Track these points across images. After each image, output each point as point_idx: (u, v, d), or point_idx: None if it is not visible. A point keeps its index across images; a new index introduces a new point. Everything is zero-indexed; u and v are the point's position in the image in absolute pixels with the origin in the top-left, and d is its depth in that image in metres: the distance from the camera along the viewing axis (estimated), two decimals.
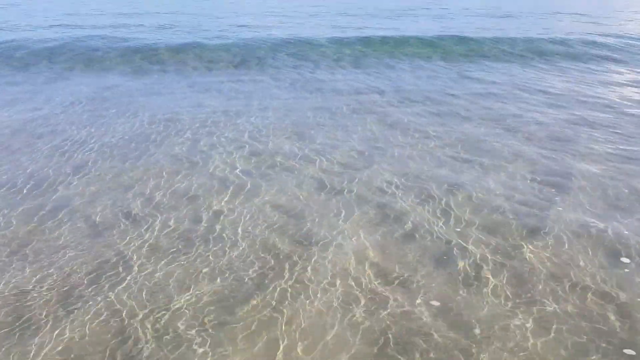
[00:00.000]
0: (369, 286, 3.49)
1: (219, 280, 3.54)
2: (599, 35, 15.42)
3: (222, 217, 4.43)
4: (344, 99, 8.62)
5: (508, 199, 4.87)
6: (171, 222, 4.32)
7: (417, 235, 4.18)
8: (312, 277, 3.59)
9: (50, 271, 3.60)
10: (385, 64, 11.61)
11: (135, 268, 3.66)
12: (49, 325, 3.06)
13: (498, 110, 8.02)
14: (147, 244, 3.98)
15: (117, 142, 6.24)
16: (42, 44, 12.01)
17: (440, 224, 4.38)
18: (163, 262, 3.74)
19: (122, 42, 12.39)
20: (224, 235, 4.14)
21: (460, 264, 3.79)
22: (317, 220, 4.41)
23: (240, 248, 3.95)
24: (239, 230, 4.22)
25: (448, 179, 5.31)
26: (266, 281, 3.54)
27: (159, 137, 6.48)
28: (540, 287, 3.53)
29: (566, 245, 4.08)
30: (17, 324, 3.07)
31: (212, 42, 12.65)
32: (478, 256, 3.89)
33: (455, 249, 4.00)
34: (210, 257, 3.82)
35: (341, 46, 12.39)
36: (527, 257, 3.90)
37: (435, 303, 3.33)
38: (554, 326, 3.13)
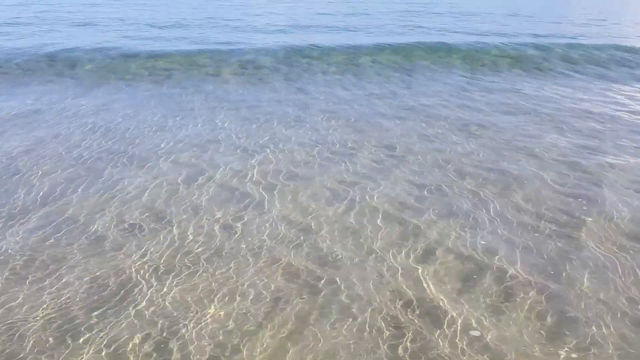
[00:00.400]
0: (392, 312, 3.19)
1: (230, 303, 3.25)
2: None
3: (232, 233, 4.14)
4: (357, 108, 8.32)
5: (538, 214, 4.55)
6: (178, 238, 4.04)
7: (440, 254, 3.88)
8: (329, 300, 3.30)
9: (46, 295, 3.33)
10: (399, 72, 11.27)
11: (139, 290, 3.38)
12: None
13: (519, 117, 7.72)
14: (152, 262, 3.70)
15: (117, 149, 5.99)
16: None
17: (466, 240, 4.08)
18: (169, 283, 3.46)
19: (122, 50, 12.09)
20: (235, 252, 3.85)
21: (493, 285, 3.49)
22: (332, 236, 4.11)
23: (254, 267, 3.66)
24: (251, 247, 3.93)
25: (472, 191, 5.00)
26: (280, 304, 3.25)
27: (165, 147, 6.21)
28: (580, 311, 3.22)
29: (607, 266, 3.76)
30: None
31: (221, 47, 12.33)
32: (511, 278, 3.58)
33: (484, 268, 3.69)
34: (220, 277, 3.53)
35: (353, 54, 11.98)
36: (564, 277, 3.59)
37: (474, 332, 3.02)
38: (600, 356, 2.83)
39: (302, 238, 4.06)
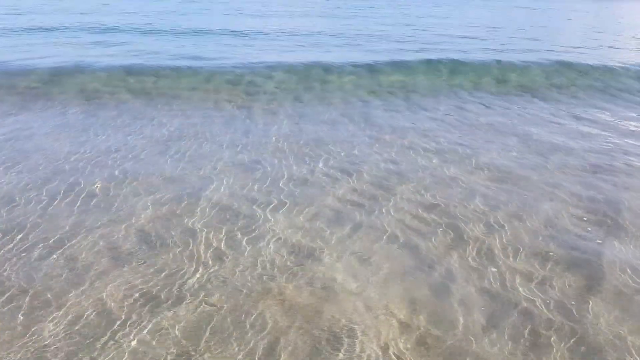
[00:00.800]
0: (401, 349, 2.88)
1: (227, 340, 2.93)
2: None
3: (226, 259, 3.82)
4: (357, 125, 8.04)
5: (555, 239, 4.27)
6: (164, 264, 3.71)
7: (454, 286, 3.58)
8: (332, 333, 2.98)
9: (20, 329, 3.00)
10: (400, 89, 11.02)
11: (124, 325, 3.05)
12: None
13: (538, 138, 7.48)
14: (137, 292, 3.38)
15: (106, 164, 5.65)
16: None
17: (481, 270, 3.79)
18: (153, 320, 3.13)
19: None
20: (230, 281, 3.53)
21: (513, 321, 3.19)
22: (335, 263, 3.81)
23: (249, 298, 3.35)
24: (247, 275, 3.61)
25: (483, 214, 4.71)
26: (277, 339, 2.94)
27: (157, 165, 5.89)
28: (608, 349, 2.93)
29: (633, 298, 3.48)
30: None
31: (214, 62, 12.06)
32: (532, 313, 3.30)
33: (505, 303, 3.40)
34: (213, 309, 3.21)
35: (355, 70, 11.70)
36: (588, 313, 3.30)
37: None
38: None
39: (302, 265, 3.76)
